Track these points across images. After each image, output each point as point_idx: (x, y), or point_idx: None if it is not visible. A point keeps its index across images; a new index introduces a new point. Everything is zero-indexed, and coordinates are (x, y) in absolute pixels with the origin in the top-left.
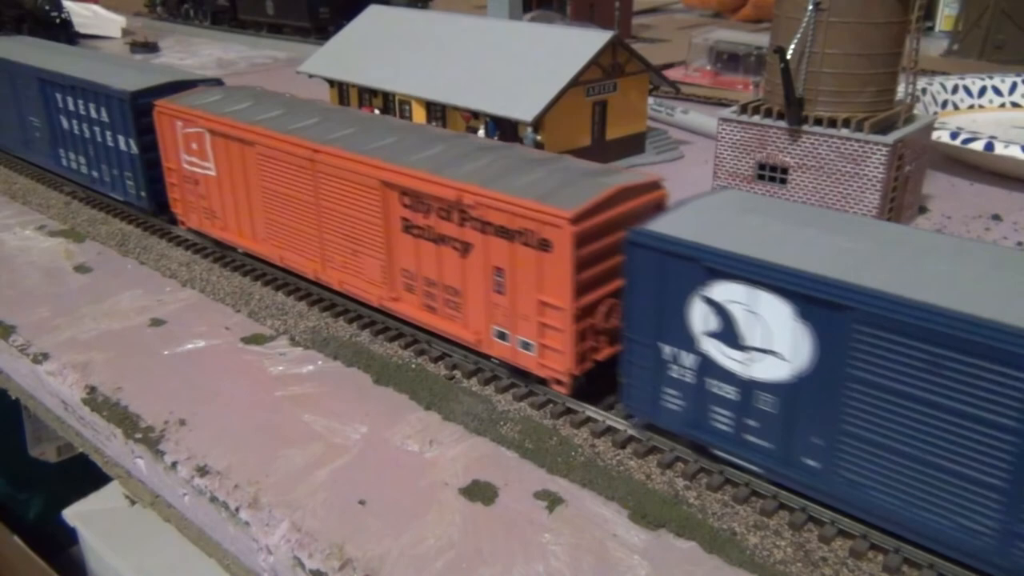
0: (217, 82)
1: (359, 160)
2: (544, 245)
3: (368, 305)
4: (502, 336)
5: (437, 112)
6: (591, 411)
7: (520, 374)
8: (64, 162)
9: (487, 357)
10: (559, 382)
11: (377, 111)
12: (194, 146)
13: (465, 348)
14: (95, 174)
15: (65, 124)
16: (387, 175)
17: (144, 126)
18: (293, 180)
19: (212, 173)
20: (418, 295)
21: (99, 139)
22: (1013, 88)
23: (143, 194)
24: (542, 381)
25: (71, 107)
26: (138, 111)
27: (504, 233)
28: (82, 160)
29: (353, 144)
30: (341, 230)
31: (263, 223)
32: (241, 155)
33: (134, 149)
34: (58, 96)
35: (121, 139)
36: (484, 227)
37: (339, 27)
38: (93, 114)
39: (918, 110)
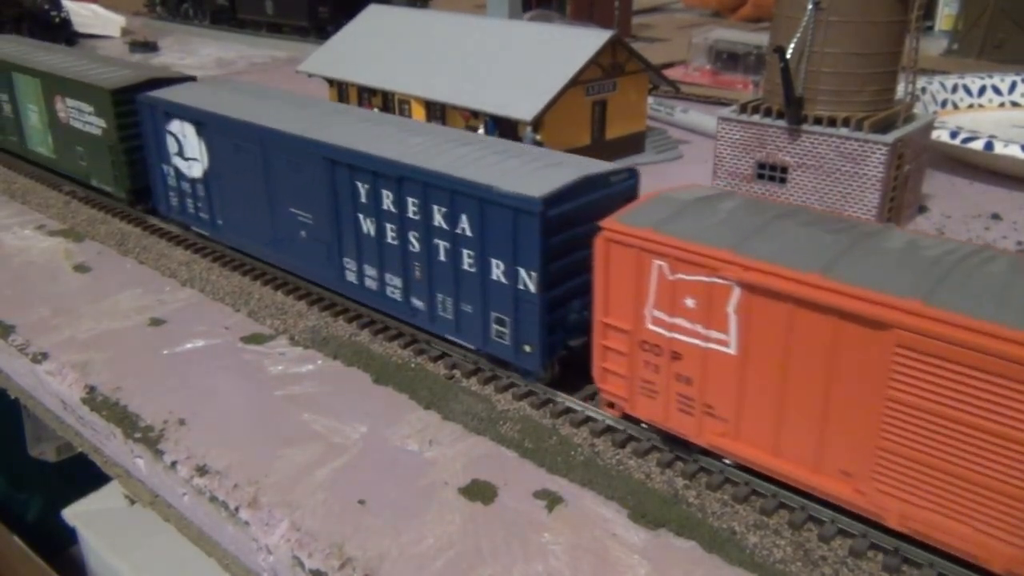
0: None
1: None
2: None
3: (365, 304)
4: None
5: (436, 112)
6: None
7: None
8: (354, 278)
9: None
10: None
11: (376, 110)
12: (689, 303)
13: (465, 348)
14: (420, 305)
15: (367, 227)
16: None
17: (557, 249)
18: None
19: (728, 350)
20: None
21: (442, 258)
22: (1013, 87)
23: (545, 363)
24: None
25: (390, 206)
26: (549, 226)
27: None
28: (396, 283)
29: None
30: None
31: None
32: (827, 336)
33: (532, 286)
34: (362, 187)
35: (500, 267)
36: None
37: (338, 26)
38: (440, 222)
39: (918, 109)
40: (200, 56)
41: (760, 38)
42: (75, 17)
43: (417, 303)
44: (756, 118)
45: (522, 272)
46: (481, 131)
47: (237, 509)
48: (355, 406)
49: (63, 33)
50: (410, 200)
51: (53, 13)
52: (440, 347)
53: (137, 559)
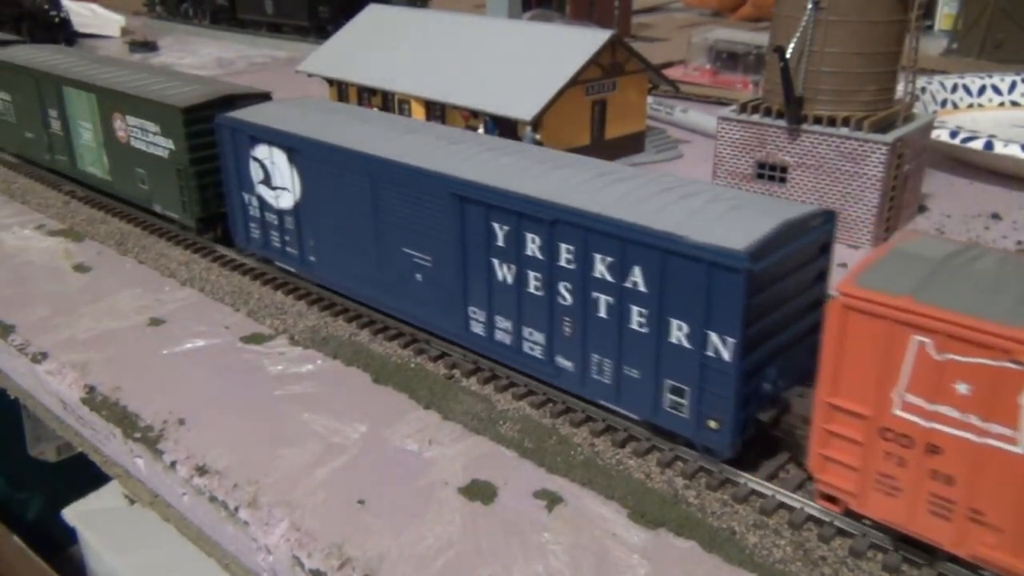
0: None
1: None
2: None
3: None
4: None
5: (436, 111)
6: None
7: None
8: (481, 330)
9: None
10: None
11: (376, 110)
12: (961, 388)
13: (464, 348)
14: (568, 365)
15: (503, 274)
16: None
17: (758, 310)
18: None
19: (1015, 449)
20: None
21: (602, 314)
22: (1013, 87)
23: (735, 441)
24: None
25: (536, 252)
26: (754, 284)
27: None
28: (537, 339)
29: None
30: None
31: None
32: None
33: (726, 354)
34: (500, 229)
35: (682, 330)
36: None
37: (338, 26)
38: (603, 273)
39: (917, 109)
40: (200, 56)
41: (760, 38)
42: (75, 17)
43: (564, 363)
44: (756, 118)
45: (714, 337)
46: (481, 131)
47: (237, 509)
48: (355, 406)
49: (63, 33)
50: (564, 246)
51: (53, 13)
52: (440, 347)
53: (137, 559)
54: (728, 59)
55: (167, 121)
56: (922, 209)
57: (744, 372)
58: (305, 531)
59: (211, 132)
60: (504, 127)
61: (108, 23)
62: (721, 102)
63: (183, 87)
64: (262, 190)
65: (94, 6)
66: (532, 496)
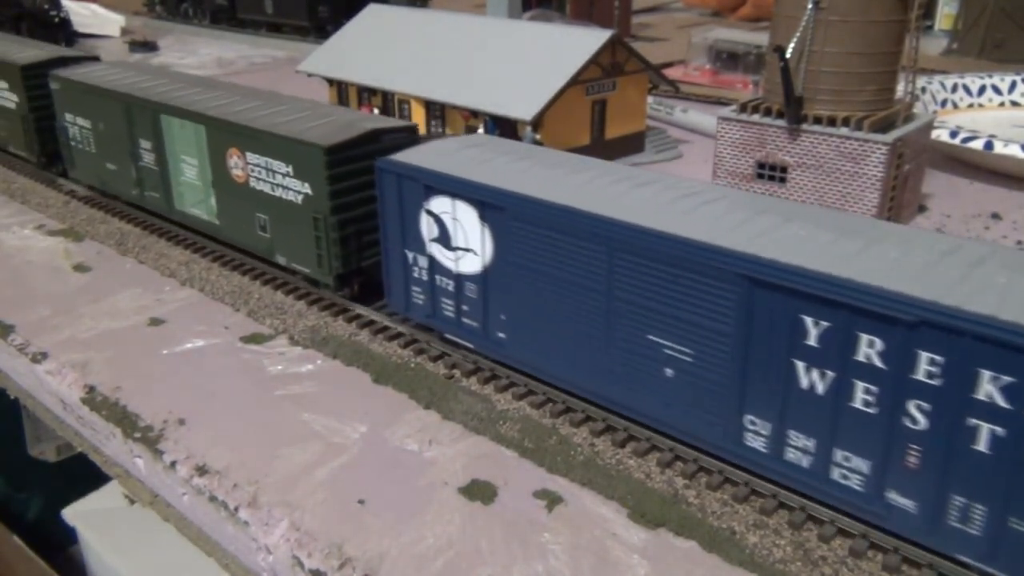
0: None
1: None
2: None
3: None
4: None
5: (436, 111)
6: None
7: None
8: (762, 445)
9: None
10: None
11: (376, 110)
12: None
13: (464, 348)
14: (907, 505)
15: (810, 381)
16: None
17: None
18: None
19: None
20: None
21: (981, 447)
22: (1013, 87)
23: None
24: None
25: (875, 359)
26: None
27: None
28: (858, 466)
29: None
30: None
31: None
32: None
33: None
34: (813, 324)
35: None
36: None
37: (338, 26)
38: (993, 396)
39: (917, 109)
40: (200, 56)
41: (760, 38)
42: (74, 17)
43: (900, 501)
44: (756, 118)
45: None
46: (481, 131)
47: (237, 509)
48: (355, 406)
49: (63, 33)
50: (926, 355)
51: (53, 13)
52: (439, 347)
53: (137, 559)
54: (728, 59)
55: (304, 161)
56: (922, 209)
57: None
58: (305, 531)
59: (355, 175)
60: (504, 127)
61: (108, 23)
62: (721, 102)
63: (318, 120)
64: (436, 250)
65: (94, 6)
66: (532, 496)
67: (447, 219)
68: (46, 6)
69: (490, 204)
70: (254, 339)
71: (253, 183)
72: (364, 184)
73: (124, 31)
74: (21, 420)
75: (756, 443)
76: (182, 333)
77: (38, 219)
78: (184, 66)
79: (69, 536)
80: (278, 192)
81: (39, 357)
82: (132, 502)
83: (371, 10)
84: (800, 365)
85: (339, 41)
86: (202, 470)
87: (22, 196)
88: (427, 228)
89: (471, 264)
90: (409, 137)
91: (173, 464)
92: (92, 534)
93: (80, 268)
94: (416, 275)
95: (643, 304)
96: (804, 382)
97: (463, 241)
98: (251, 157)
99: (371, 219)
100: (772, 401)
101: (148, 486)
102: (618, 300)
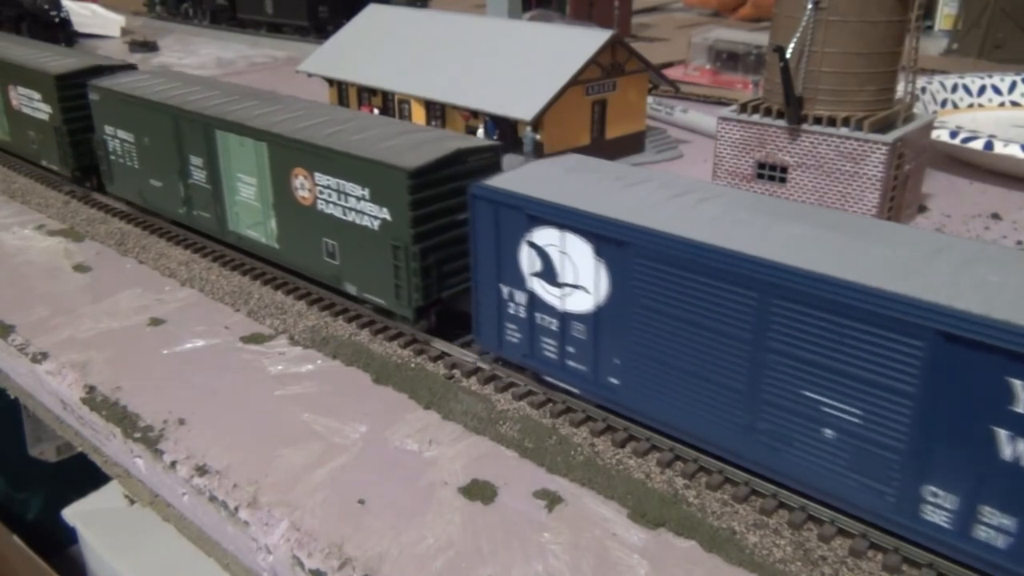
0: None
1: None
2: None
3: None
4: None
5: (436, 111)
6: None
7: None
8: (950, 522)
9: None
10: None
11: (376, 110)
12: None
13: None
14: None
15: (1013, 451)
16: None
17: None
18: None
19: None
20: None
21: None
22: (1013, 87)
23: None
24: None
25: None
26: None
27: None
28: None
29: None
30: None
31: None
32: None
33: None
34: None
35: None
36: None
37: (338, 26)
38: None
39: (917, 109)
40: (200, 56)
41: (760, 38)
42: (75, 17)
43: None
44: (756, 118)
45: None
46: (481, 131)
47: (237, 509)
48: (355, 406)
49: (63, 33)
50: None
51: (53, 13)
52: (440, 347)
53: (137, 559)
54: (728, 59)
55: (383, 184)
56: (922, 209)
57: None
58: (305, 531)
59: (439, 199)
60: (504, 127)
61: (108, 23)
62: (721, 102)
63: (394, 139)
64: (537, 285)
65: (94, 6)
66: (532, 496)
67: (553, 252)
68: (46, 6)
69: (609, 238)
70: (254, 339)
71: (321, 206)
72: (447, 209)
73: (124, 31)
74: (21, 420)
75: (938, 518)
76: (182, 333)
77: (38, 219)
78: (184, 66)
79: (69, 536)
80: (351, 216)
81: (39, 357)
82: (132, 502)
83: (371, 10)
84: (1003, 434)
85: (339, 41)
86: (202, 470)
87: (22, 196)
88: (528, 261)
89: (581, 302)
90: (494, 158)
91: (173, 464)
92: (92, 534)
93: (80, 268)
94: (512, 311)
95: (800, 356)
96: (1006, 452)
97: (572, 277)
98: (320, 178)
99: (453, 246)
100: (962, 473)
101: (148, 486)
102: (768, 351)
